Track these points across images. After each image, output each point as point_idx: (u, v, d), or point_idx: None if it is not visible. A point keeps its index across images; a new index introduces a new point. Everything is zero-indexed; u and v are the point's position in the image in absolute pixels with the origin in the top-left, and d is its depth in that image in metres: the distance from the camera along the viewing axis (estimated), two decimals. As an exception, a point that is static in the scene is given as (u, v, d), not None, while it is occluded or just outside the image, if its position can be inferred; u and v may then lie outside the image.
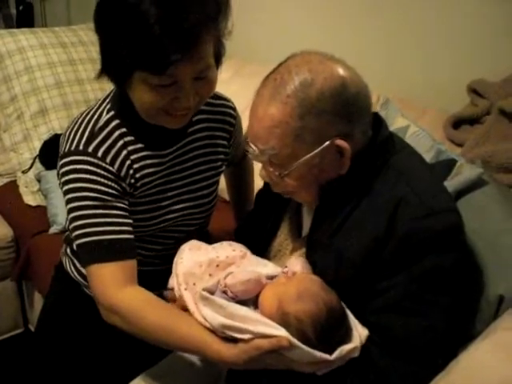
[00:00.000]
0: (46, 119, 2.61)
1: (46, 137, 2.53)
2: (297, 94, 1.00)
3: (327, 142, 1.02)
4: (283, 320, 0.96)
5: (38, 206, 2.34)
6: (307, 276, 1.05)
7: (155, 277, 1.28)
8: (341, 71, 1.02)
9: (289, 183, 1.08)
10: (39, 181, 2.41)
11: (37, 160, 2.49)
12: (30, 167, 2.50)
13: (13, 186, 2.49)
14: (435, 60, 1.98)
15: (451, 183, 1.27)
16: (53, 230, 2.17)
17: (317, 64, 1.02)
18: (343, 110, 1.01)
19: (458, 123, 1.76)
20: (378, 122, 1.11)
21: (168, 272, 1.15)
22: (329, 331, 0.96)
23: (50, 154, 2.43)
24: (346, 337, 0.98)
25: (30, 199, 2.38)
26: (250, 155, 1.10)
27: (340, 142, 1.02)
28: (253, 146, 1.06)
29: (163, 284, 1.16)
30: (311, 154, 1.03)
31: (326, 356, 0.94)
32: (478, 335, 1.07)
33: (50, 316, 1.55)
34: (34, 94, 2.60)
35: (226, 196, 1.78)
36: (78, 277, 1.42)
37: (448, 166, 1.37)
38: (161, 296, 1.14)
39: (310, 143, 1.02)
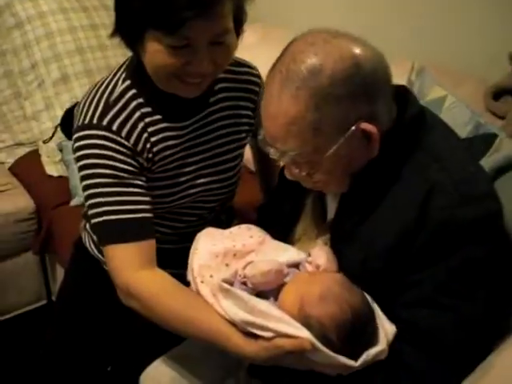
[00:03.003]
0: (67, 87, 2.56)
1: (68, 105, 2.48)
2: (307, 83, 0.91)
3: (352, 128, 0.94)
4: (305, 322, 0.91)
5: (59, 177, 2.32)
6: (331, 275, 0.99)
7: (175, 255, 1.23)
8: (351, 49, 0.93)
9: (319, 179, 1.01)
10: (61, 151, 2.37)
11: (58, 129, 2.45)
12: (52, 136, 2.46)
13: (35, 155, 2.46)
14: (474, 25, 1.88)
15: (490, 160, 1.21)
16: (74, 202, 2.15)
17: (322, 45, 0.93)
18: (361, 91, 0.92)
19: (499, 94, 1.67)
20: (404, 96, 1.02)
21: (189, 250, 1.11)
22: (354, 336, 0.91)
23: (72, 123, 2.37)
24: (373, 339, 0.92)
25: (52, 169, 2.35)
26: (272, 157, 1.03)
27: (365, 126, 0.94)
28: (272, 148, 0.99)
29: (183, 263, 1.11)
30: (337, 146, 0.95)
31: (351, 362, 0.89)
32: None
33: (69, 293, 1.53)
34: (55, 60, 2.54)
35: (252, 166, 1.71)
36: (97, 253, 1.39)
37: (487, 141, 1.31)
38: (180, 277, 1.09)
39: (332, 134, 0.94)
